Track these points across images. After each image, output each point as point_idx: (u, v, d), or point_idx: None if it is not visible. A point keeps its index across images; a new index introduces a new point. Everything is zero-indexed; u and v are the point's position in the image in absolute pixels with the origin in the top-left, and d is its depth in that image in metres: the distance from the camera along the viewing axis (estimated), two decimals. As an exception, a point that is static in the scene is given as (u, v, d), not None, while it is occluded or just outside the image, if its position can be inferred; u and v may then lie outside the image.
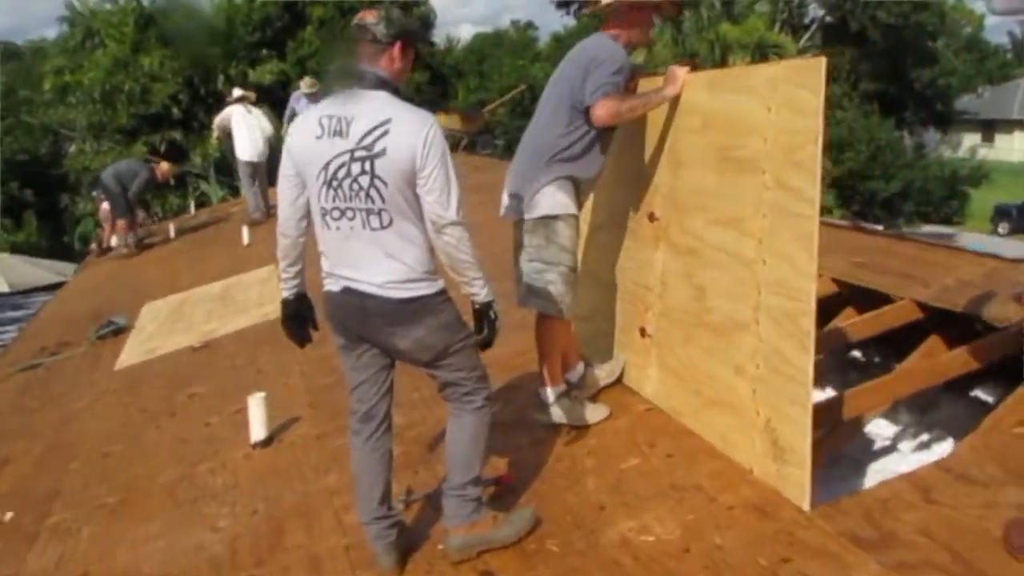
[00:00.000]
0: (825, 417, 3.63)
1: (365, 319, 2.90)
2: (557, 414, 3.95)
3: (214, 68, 26.65)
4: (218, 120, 12.38)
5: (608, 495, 3.37)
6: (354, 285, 2.88)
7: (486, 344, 3.09)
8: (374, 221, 2.80)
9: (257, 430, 4.52)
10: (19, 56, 34.94)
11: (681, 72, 3.73)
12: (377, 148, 2.74)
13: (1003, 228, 37.50)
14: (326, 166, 2.81)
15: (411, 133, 2.74)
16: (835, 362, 4.99)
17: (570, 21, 39.20)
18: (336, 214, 2.83)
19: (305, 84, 12.35)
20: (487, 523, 3.09)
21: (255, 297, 7.94)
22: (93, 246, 14.27)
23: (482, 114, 15.38)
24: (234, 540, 3.63)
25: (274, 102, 27.21)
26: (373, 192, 2.77)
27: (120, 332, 7.92)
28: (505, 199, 3.92)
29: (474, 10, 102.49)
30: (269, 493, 3.98)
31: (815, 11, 31.04)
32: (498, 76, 35.40)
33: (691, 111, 3.73)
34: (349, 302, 2.91)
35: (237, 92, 12.61)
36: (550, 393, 3.97)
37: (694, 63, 22.78)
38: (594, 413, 3.98)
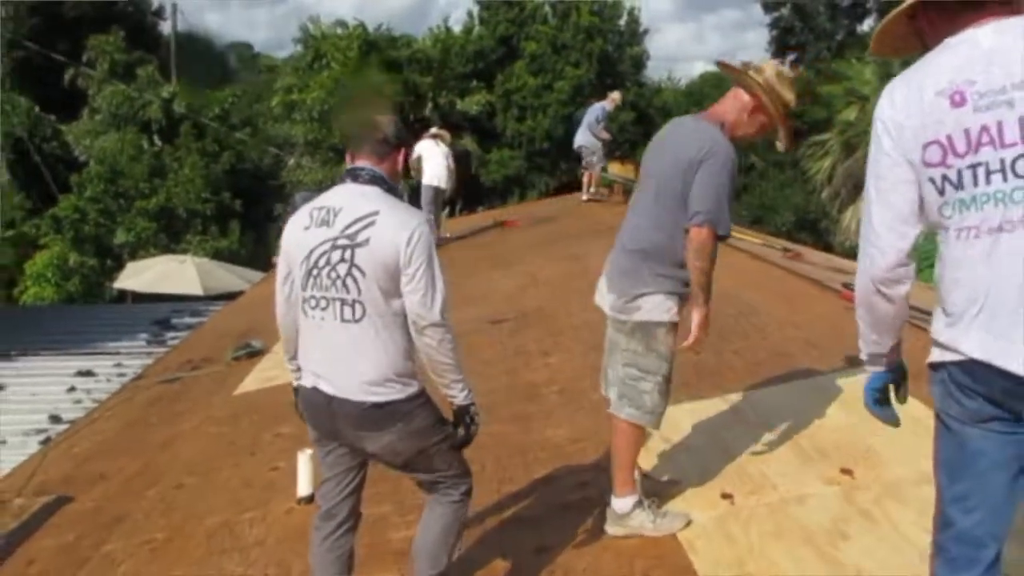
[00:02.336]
0: None
1: (333, 420, 2.86)
2: (637, 522, 3.55)
3: (424, 96, 27.75)
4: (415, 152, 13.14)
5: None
6: (321, 385, 2.84)
7: (463, 444, 3.00)
8: (347, 312, 2.77)
9: (303, 486, 4.60)
10: (257, 70, 37.72)
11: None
12: (360, 238, 2.74)
13: None
14: (309, 255, 2.83)
15: (397, 228, 2.74)
16: None
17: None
18: (313, 303, 2.83)
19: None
20: None
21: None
22: (275, 259, 15.12)
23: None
24: (233, 605, 3.69)
25: (478, 131, 28.20)
26: (349, 281, 2.75)
27: (255, 355, 8.29)
28: (603, 287, 3.67)
29: (709, 47, 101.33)
30: (285, 557, 4.02)
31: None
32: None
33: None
34: (317, 401, 2.87)
35: (434, 130, 13.36)
36: (628, 502, 3.58)
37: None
38: (675, 521, 3.57)
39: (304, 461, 4.60)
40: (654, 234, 3.48)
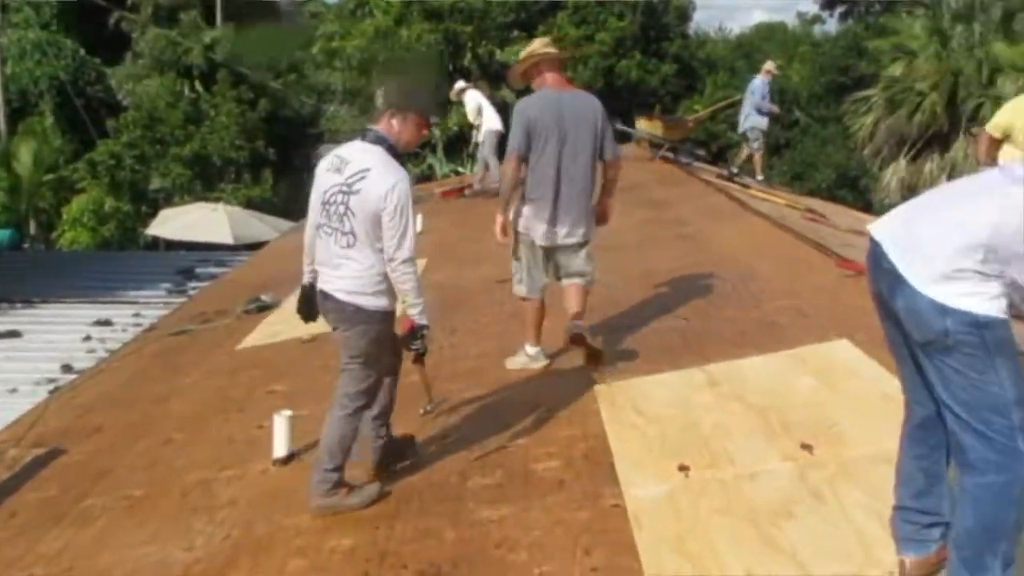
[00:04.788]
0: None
1: (325, 311, 3.89)
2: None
3: (464, 45, 27.49)
4: (472, 102, 13.06)
5: None
6: (321, 285, 3.84)
7: (419, 356, 3.97)
8: (342, 241, 3.73)
9: (278, 447, 4.66)
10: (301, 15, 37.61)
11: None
12: (355, 188, 3.68)
13: None
14: (324, 192, 3.78)
15: (381, 184, 3.65)
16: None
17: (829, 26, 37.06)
18: (326, 230, 3.78)
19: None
20: (341, 494, 3.84)
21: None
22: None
23: (686, 123, 14.97)
24: (192, 565, 3.75)
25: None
26: (346, 219, 3.70)
27: (265, 309, 8.37)
28: (554, 226, 5.05)
29: None
30: (252, 518, 4.08)
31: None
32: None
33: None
34: (319, 296, 3.88)
35: (461, 84, 13.43)
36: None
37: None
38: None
39: (281, 422, 4.66)
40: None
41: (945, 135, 21.26)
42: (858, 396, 4.25)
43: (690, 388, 4.69)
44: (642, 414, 4.43)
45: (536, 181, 5.04)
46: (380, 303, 3.79)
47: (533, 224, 5.09)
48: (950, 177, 18.71)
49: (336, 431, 3.82)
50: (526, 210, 5.11)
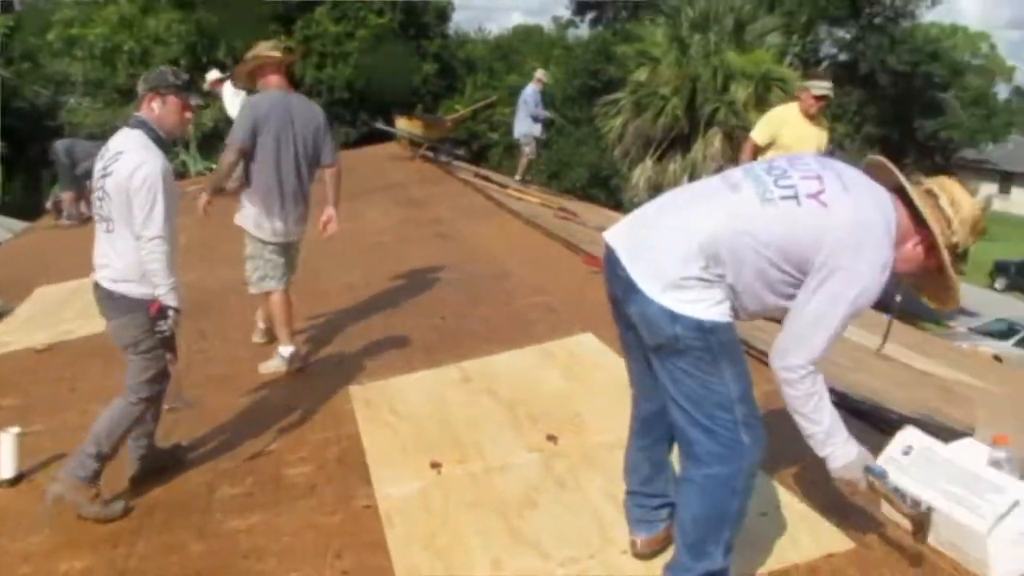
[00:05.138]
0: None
1: (97, 301, 3.79)
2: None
3: (219, 37, 26.46)
4: (229, 94, 12.31)
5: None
6: (94, 275, 3.76)
7: (165, 340, 3.70)
8: (106, 226, 3.70)
9: (5, 467, 4.31)
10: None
11: None
12: (109, 170, 3.64)
13: (1000, 283, 37.17)
14: (94, 182, 3.74)
15: (130, 163, 3.59)
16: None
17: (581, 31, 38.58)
18: (96, 218, 3.77)
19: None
20: (89, 493, 3.66)
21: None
22: (49, 204, 14.01)
23: (445, 122, 15.18)
24: (-97, 602, 3.43)
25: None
26: (106, 203, 3.67)
27: (-5, 317, 7.73)
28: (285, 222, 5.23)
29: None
30: (-27, 546, 3.77)
31: (828, 48, 30.73)
32: (517, 75, 34.88)
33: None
34: (93, 287, 3.79)
35: (216, 74, 12.81)
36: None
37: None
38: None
39: (7, 440, 4.32)
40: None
41: (686, 137, 22.72)
42: (600, 387, 4.48)
43: (445, 385, 4.78)
44: (396, 413, 4.47)
45: (263, 179, 5.14)
46: (145, 290, 3.66)
47: (262, 221, 5.18)
48: (691, 177, 20.03)
49: (109, 417, 3.70)
50: (254, 208, 5.19)
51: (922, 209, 2.51)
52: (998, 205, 49.79)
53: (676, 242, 2.49)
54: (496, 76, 33.29)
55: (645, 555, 2.95)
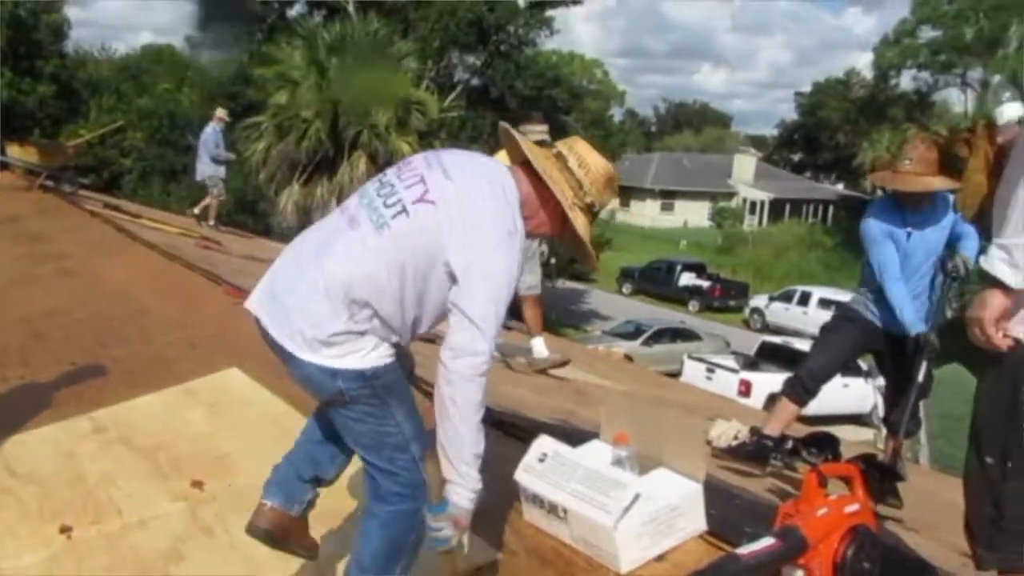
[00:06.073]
0: None
1: None
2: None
3: None
4: None
5: None
6: None
7: None
8: None
9: None
10: None
11: None
12: None
13: (627, 288, 41.17)
14: None
15: None
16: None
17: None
18: None
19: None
20: None
21: None
22: None
23: (66, 149, 14.06)
24: None
25: None
26: None
27: None
28: None
29: (156, 17, 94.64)
30: None
31: (461, 74, 32.40)
32: (147, 97, 32.90)
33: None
34: None
35: None
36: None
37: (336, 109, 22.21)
38: None
39: None
40: None
41: (331, 160, 22.81)
42: (250, 424, 4.33)
43: (75, 439, 4.35)
44: (17, 476, 4.01)
45: None
46: None
47: None
48: (339, 199, 20.04)
49: None
50: None
51: (546, 175, 2.51)
52: (621, 217, 55.25)
53: (314, 302, 2.43)
54: (125, 98, 31.36)
55: (262, 529, 2.71)
